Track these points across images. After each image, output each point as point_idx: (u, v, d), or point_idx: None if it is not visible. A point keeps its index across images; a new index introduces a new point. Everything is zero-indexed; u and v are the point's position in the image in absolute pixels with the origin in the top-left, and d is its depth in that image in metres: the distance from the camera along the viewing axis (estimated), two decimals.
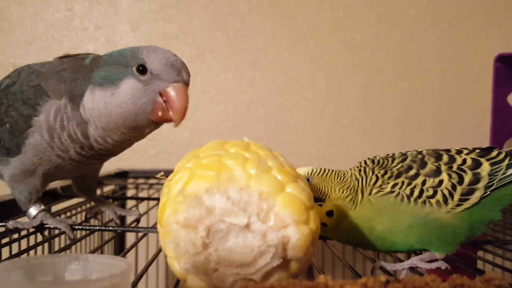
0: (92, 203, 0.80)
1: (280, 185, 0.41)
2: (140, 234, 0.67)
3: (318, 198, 0.55)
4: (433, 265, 0.55)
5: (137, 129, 0.59)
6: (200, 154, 0.46)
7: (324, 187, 0.56)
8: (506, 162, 0.55)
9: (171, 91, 0.57)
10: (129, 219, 1.08)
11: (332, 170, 0.58)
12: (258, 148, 0.46)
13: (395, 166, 0.55)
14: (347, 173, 0.57)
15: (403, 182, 0.54)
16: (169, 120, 0.58)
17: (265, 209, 0.40)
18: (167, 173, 0.50)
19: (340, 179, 0.56)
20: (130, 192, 1.08)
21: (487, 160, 0.55)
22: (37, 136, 0.60)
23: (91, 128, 0.59)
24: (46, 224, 0.64)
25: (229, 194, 0.40)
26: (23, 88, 0.61)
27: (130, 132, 0.59)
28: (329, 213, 0.55)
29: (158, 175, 0.54)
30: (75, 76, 0.60)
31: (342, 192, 0.55)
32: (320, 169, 0.58)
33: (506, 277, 0.42)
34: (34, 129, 0.59)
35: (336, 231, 0.55)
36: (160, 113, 0.57)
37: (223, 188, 0.40)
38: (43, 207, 0.65)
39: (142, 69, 0.56)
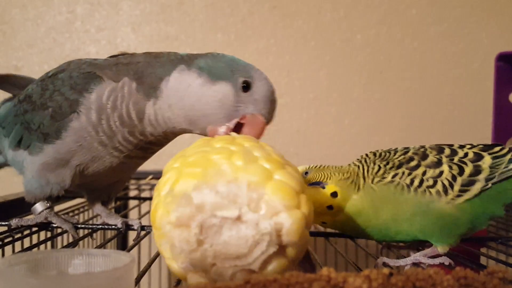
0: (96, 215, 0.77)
1: (268, 173, 0.41)
2: (142, 233, 0.67)
3: (319, 182, 0.56)
4: (436, 261, 0.55)
5: (191, 125, 0.57)
6: (187, 153, 0.47)
7: (324, 173, 0.57)
8: (509, 156, 0.56)
9: (254, 120, 0.55)
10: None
11: (329, 165, 0.59)
12: (243, 140, 0.47)
13: (397, 157, 0.56)
14: (344, 165, 0.59)
15: (403, 172, 0.54)
16: None
17: (255, 199, 0.40)
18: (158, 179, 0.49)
19: (337, 168, 0.58)
20: (133, 193, 1.08)
21: (489, 154, 0.56)
22: (83, 118, 0.58)
23: (160, 103, 0.56)
24: (51, 222, 0.64)
25: (218, 188, 0.40)
26: (72, 75, 0.60)
27: (184, 123, 0.57)
28: (334, 194, 0.55)
29: (147, 179, 0.54)
30: (152, 60, 0.59)
31: (342, 175, 0.56)
32: (317, 165, 0.59)
33: (510, 271, 0.42)
34: (81, 109, 0.58)
35: (341, 215, 0.56)
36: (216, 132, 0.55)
37: (211, 183, 0.41)
38: (49, 204, 0.65)
39: (247, 86, 0.55)
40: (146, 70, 0.58)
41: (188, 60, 0.57)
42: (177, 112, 0.56)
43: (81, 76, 0.59)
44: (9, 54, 1.27)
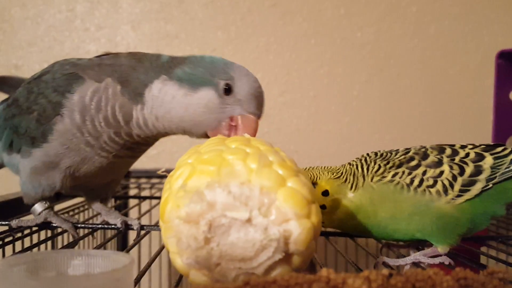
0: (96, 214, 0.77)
1: (281, 180, 0.41)
2: (142, 232, 0.67)
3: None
4: (436, 260, 0.55)
5: (186, 133, 0.59)
6: (201, 149, 0.47)
7: (313, 173, 0.57)
8: (510, 157, 0.55)
9: (245, 121, 0.56)
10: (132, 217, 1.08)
11: (319, 166, 0.60)
12: (259, 143, 0.46)
13: (398, 157, 0.56)
14: (336, 165, 0.59)
15: (403, 172, 0.54)
16: None
17: (266, 204, 0.40)
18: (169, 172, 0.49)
19: (326, 168, 0.58)
20: (132, 192, 1.08)
21: (491, 154, 0.56)
22: (67, 120, 0.58)
23: (146, 111, 0.57)
24: (51, 222, 0.64)
25: (230, 188, 0.40)
26: (55, 76, 0.60)
27: (177, 131, 0.59)
28: (325, 193, 0.55)
29: (160, 171, 0.54)
30: (136, 64, 0.59)
31: (332, 174, 0.56)
32: (306, 167, 0.59)
33: (510, 271, 0.42)
34: (65, 111, 0.58)
35: (337, 213, 0.56)
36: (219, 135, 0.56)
37: (224, 182, 0.40)
38: (48, 204, 0.65)
39: (228, 89, 0.55)
40: (130, 74, 0.58)
41: (168, 69, 0.57)
42: (167, 124, 0.58)
43: (63, 77, 0.59)
44: (9, 53, 1.27)
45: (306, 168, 0.59)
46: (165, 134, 0.60)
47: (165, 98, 0.56)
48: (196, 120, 0.56)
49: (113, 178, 0.70)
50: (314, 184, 0.56)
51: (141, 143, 0.62)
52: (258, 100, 0.57)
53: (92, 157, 0.60)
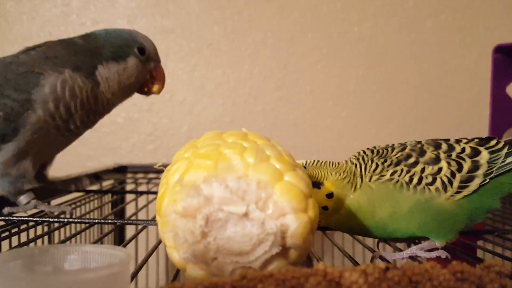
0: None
1: (278, 174, 0.41)
2: (139, 227, 0.67)
3: (316, 182, 0.55)
4: (433, 254, 0.55)
5: (128, 95, 0.74)
6: (198, 144, 0.46)
7: (321, 172, 0.56)
8: (505, 150, 0.55)
9: (160, 70, 0.74)
10: (129, 212, 1.08)
11: (327, 161, 0.58)
12: (256, 138, 0.46)
13: (395, 154, 0.56)
14: (342, 162, 0.58)
15: (402, 170, 0.54)
16: (149, 93, 0.75)
17: (263, 198, 0.40)
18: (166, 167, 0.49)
19: (335, 166, 0.57)
20: (129, 187, 1.08)
21: (486, 148, 0.56)
22: (39, 111, 0.63)
23: (104, 91, 0.69)
24: (40, 210, 0.67)
25: (227, 183, 0.40)
26: (8, 77, 0.63)
27: (123, 97, 0.73)
28: (329, 195, 0.55)
29: (156, 166, 0.54)
30: (75, 53, 0.68)
31: (339, 175, 0.55)
32: (315, 160, 0.58)
33: (506, 265, 0.42)
34: (36, 104, 0.63)
35: (337, 215, 0.55)
36: (146, 88, 0.74)
37: (221, 177, 0.40)
38: (33, 195, 0.67)
39: (142, 51, 0.71)
40: (79, 62, 0.67)
41: (97, 50, 0.69)
42: (120, 95, 0.72)
43: (19, 77, 0.63)
44: (5, 48, 1.26)
45: (314, 163, 0.57)
46: (114, 104, 0.73)
47: (114, 76, 0.70)
48: (136, 82, 0.72)
49: (51, 158, 0.76)
50: (320, 184, 0.55)
51: (95, 121, 0.72)
52: (157, 51, 0.74)
53: (56, 138, 0.67)
